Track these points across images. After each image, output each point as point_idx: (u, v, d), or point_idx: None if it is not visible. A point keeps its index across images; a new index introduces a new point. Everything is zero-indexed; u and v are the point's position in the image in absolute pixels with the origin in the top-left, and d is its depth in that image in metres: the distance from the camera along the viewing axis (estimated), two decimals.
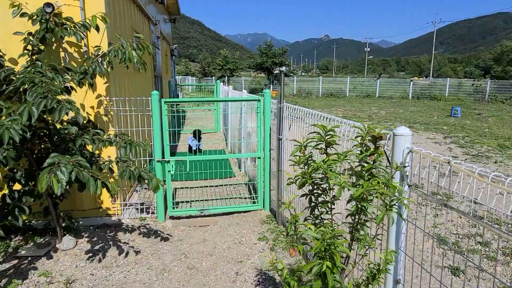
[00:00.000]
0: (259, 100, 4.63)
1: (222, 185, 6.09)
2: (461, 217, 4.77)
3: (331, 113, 19.78)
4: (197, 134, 8.45)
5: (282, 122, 4.17)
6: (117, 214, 4.64)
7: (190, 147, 8.58)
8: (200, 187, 5.97)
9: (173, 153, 7.16)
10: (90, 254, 3.83)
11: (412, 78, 31.67)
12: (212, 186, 6.03)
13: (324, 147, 2.06)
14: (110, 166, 3.51)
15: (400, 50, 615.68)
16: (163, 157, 4.51)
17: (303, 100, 28.04)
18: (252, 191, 5.47)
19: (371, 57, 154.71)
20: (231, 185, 6.13)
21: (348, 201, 2.01)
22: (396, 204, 1.88)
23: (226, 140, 10.24)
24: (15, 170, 3.57)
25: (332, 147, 2.07)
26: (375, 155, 1.93)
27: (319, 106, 23.55)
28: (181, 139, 10.71)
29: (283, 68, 36.15)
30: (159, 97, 4.38)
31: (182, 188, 5.95)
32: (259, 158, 4.80)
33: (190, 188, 5.94)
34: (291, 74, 36.31)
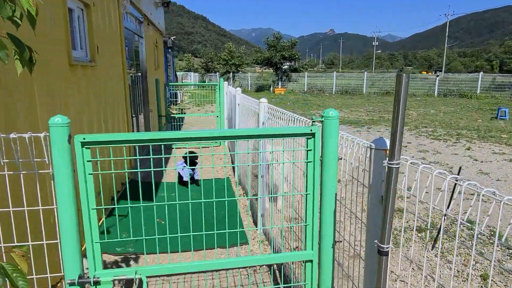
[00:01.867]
0: (313, 135, 1.97)
1: (230, 269, 3.45)
2: None
3: (352, 114, 17.00)
4: (190, 159, 5.79)
5: (391, 204, 1.52)
6: None
7: (180, 177, 5.95)
8: (188, 274, 3.34)
9: (149, 186, 4.52)
10: None
11: (438, 73, 28.78)
12: (213, 271, 3.40)
13: None
14: None
15: (406, 44, 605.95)
16: (83, 273, 1.89)
17: (315, 98, 25.34)
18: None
19: (379, 51, 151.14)
20: (245, 268, 3.49)
21: None
22: None
23: (232, 161, 7.61)
24: None
25: None
26: None
27: (335, 106, 20.79)
28: (172, 156, 8.09)
29: (291, 63, 33.17)
30: (69, 132, 1.74)
31: (154, 276, 3.33)
32: (308, 261, 2.15)
33: (170, 276, 3.31)
34: (301, 69, 33.45)
